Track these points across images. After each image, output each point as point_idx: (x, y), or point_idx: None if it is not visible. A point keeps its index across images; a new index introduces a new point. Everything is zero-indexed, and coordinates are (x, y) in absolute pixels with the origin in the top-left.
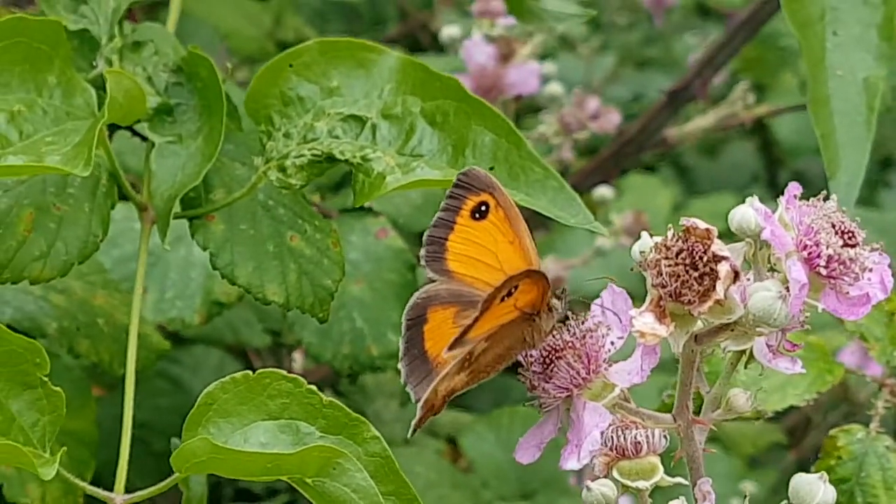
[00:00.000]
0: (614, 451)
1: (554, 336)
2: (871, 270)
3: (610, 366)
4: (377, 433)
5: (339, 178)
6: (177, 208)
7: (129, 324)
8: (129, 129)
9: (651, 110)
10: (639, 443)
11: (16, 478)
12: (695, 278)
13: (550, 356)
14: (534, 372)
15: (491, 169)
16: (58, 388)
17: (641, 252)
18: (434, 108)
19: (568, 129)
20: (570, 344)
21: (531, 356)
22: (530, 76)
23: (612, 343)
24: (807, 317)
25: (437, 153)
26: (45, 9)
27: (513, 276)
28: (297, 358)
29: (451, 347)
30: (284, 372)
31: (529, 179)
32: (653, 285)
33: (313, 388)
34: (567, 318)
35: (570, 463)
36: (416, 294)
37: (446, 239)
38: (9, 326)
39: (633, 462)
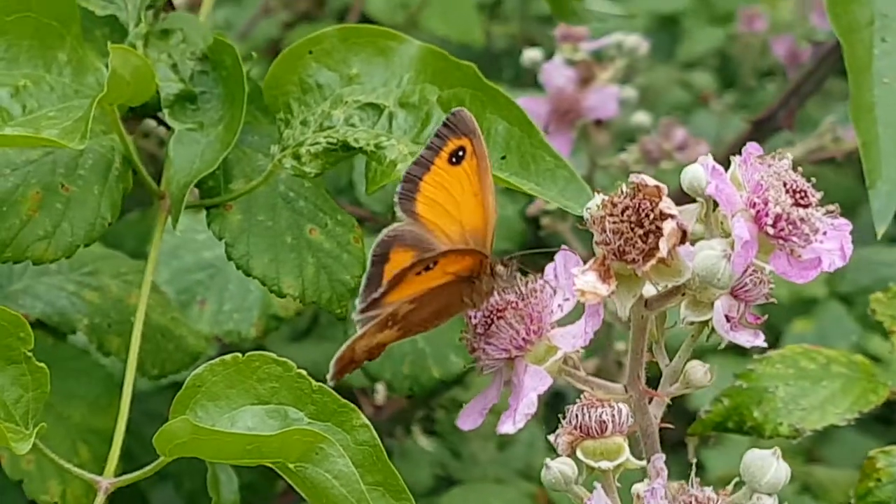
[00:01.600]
0: (578, 430)
1: (496, 297)
2: (825, 233)
3: (555, 329)
4: (366, 421)
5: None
6: (196, 197)
7: (137, 310)
8: (155, 117)
9: (735, 140)
10: (604, 422)
11: (37, 475)
12: (639, 236)
13: (491, 316)
14: (475, 333)
15: (503, 158)
16: (42, 364)
17: (588, 209)
18: (450, 97)
19: (649, 157)
20: (512, 304)
21: (473, 318)
22: (609, 100)
23: (560, 306)
24: (771, 287)
25: None
26: None
27: (426, 256)
28: (380, 389)
29: (362, 311)
30: (274, 355)
31: (540, 168)
32: (596, 243)
33: (303, 372)
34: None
35: (506, 426)
36: (385, 230)
37: (421, 178)
38: (38, 321)
39: (598, 442)
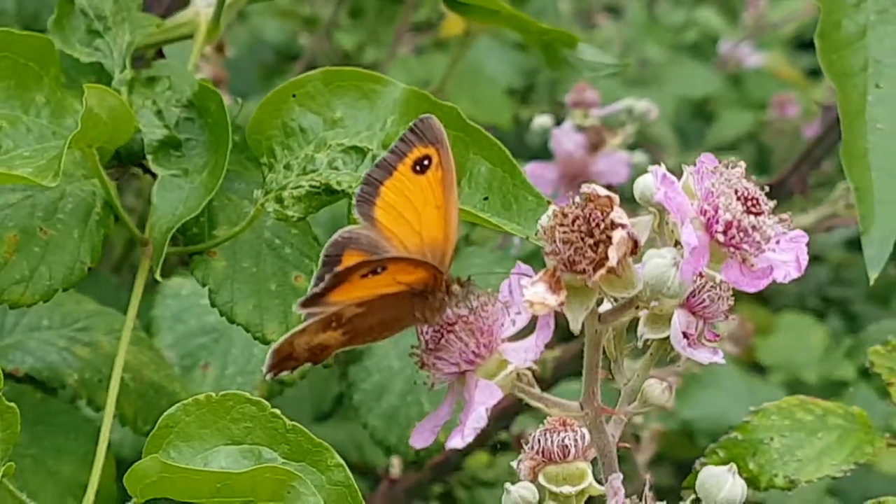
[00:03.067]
0: (541, 455)
1: (448, 312)
2: (777, 242)
3: (506, 343)
4: (340, 461)
5: None
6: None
7: (116, 358)
8: (140, 165)
9: None
10: (566, 446)
11: None
12: (589, 245)
13: (442, 330)
14: (426, 348)
15: (485, 199)
16: (12, 405)
17: (539, 222)
18: None
19: None
20: (462, 318)
21: (424, 332)
22: (619, 165)
23: (513, 321)
24: (731, 304)
25: None
26: (60, 42)
27: (372, 259)
28: (395, 463)
29: (303, 305)
30: (248, 394)
31: (522, 208)
32: (546, 253)
33: (277, 411)
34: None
35: (454, 441)
36: (339, 231)
37: (382, 183)
38: (27, 376)
39: (561, 467)
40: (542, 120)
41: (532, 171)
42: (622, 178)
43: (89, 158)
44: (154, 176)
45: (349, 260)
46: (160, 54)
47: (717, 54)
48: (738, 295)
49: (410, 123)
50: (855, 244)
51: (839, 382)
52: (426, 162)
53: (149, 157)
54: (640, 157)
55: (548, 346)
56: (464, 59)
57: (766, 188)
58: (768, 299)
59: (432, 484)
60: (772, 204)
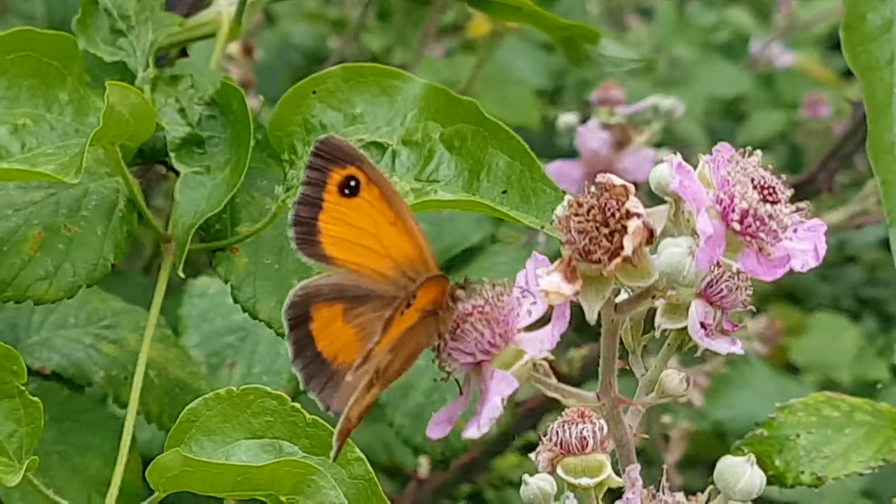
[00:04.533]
0: (559, 447)
1: (463, 302)
2: (795, 231)
3: (522, 333)
4: (361, 454)
5: None
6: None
7: (140, 353)
8: (163, 163)
9: None
10: (584, 438)
11: None
12: (604, 235)
13: (457, 321)
14: (442, 340)
15: (504, 192)
16: (36, 399)
17: (555, 212)
18: (453, 133)
19: None
20: (478, 308)
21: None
22: (645, 163)
23: (528, 311)
24: (749, 295)
25: (453, 178)
26: (84, 41)
27: (412, 289)
28: (423, 462)
29: (357, 368)
30: (269, 389)
31: (541, 201)
32: (562, 243)
33: (297, 405)
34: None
35: (471, 431)
36: (293, 291)
37: (316, 219)
38: (54, 373)
39: (579, 459)
40: (567, 118)
41: (557, 168)
42: (647, 175)
43: (112, 156)
44: (177, 173)
45: (319, 315)
46: (184, 53)
47: (748, 54)
48: (770, 295)
49: (311, 148)
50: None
51: (873, 383)
52: (353, 183)
53: (171, 154)
54: (666, 154)
55: (576, 346)
56: (491, 61)
57: (790, 185)
58: (801, 300)
59: (460, 484)
60: (790, 193)
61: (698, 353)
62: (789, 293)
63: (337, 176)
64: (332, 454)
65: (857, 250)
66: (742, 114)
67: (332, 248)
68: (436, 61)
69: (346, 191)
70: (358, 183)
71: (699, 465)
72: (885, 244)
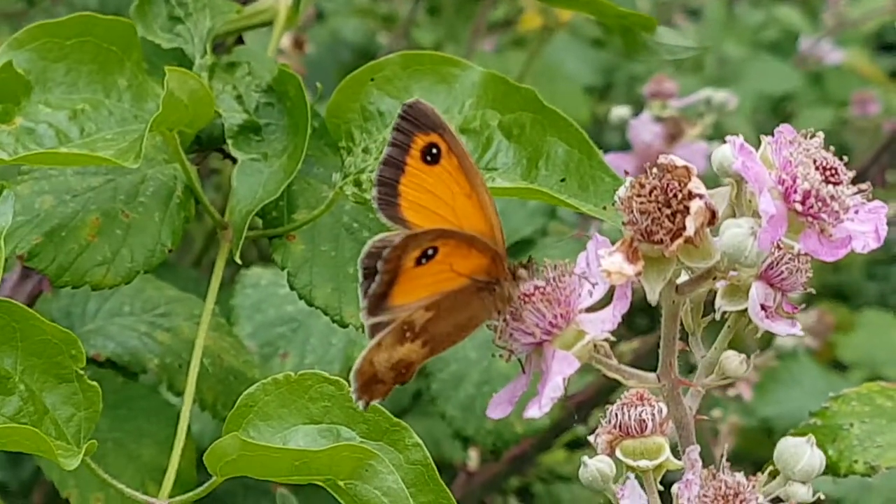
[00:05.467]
0: (618, 430)
1: (524, 282)
2: (856, 212)
3: (584, 314)
4: (419, 440)
5: None
6: (259, 227)
7: (195, 341)
8: (220, 150)
9: None
10: (643, 421)
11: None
12: (666, 216)
13: (519, 301)
14: (504, 319)
15: (562, 181)
16: (94, 383)
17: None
18: (511, 121)
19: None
20: (540, 289)
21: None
22: (697, 156)
23: (590, 291)
24: (809, 277)
25: (511, 166)
26: (142, 28)
27: (411, 235)
28: (473, 455)
29: (369, 312)
30: (326, 374)
31: (599, 189)
32: (624, 224)
33: None
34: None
35: (532, 411)
36: (372, 240)
37: (398, 182)
38: (109, 360)
39: (638, 441)
40: (620, 111)
41: (610, 161)
42: (700, 168)
43: (170, 142)
44: (234, 160)
45: None
46: (240, 40)
47: (797, 52)
48: (818, 292)
49: (398, 110)
50: None
51: None
52: (434, 151)
53: (229, 141)
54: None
55: (627, 339)
56: (542, 57)
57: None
58: (849, 297)
59: (509, 477)
60: (851, 174)
61: (758, 335)
62: (836, 291)
63: (420, 141)
64: (351, 391)
65: None
66: (790, 112)
67: (409, 212)
68: (486, 56)
69: (428, 157)
70: (439, 150)
71: (746, 462)
72: None
